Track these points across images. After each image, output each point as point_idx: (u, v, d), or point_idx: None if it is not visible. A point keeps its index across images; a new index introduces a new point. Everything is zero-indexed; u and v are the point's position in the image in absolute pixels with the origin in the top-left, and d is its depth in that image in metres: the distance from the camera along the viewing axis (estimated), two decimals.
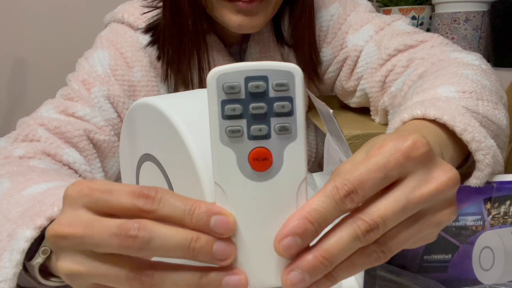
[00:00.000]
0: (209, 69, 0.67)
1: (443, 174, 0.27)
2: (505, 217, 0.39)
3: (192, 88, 0.68)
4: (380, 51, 0.68)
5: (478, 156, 0.38)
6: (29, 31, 1.43)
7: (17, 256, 0.36)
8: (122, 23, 0.71)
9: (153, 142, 0.43)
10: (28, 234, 0.36)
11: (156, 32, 0.68)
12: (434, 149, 0.28)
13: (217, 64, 0.70)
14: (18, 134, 0.57)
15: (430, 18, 1.34)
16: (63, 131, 0.59)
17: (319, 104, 0.44)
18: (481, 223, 0.39)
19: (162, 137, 0.41)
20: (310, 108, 0.81)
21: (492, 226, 0.40)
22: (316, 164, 0.87)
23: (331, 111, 0.38)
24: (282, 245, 0.25)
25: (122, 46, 0.68)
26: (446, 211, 0.28)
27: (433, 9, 1.32)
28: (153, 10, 0.69)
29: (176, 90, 0.69)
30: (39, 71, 1.47)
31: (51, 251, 0.36)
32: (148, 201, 0.26)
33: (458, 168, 0.41)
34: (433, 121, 0.39)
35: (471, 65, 0.52)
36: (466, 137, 0.38)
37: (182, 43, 0.65)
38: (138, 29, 0.69)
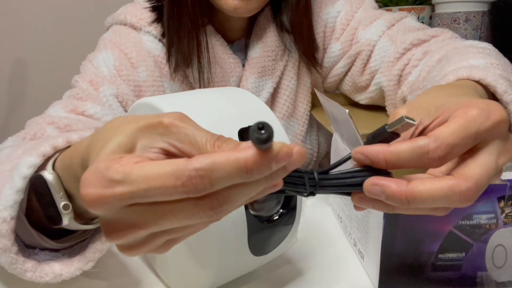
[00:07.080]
0: (208, 53, 0.68)
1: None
2: None
3: (193, 68, 0.68)
4: (395, 45, 0.69)
5: None
6: (29, 31, 1.42)
7: (19, 182, 0.34)
8: (125, 24, 0.70)
9: None
10: (31, 160, 0.34)
11: (160, 10, 0.68)
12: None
13: (218, 54, 0.70)
14: (26, 133, 0.55)
15: (430, 18, 1.34)
16: (74, 129, 0.57)
17: (330, 105, 0.44)
18: (495, 221, 0.40)
19: None
20: (314, 105, 0.81)
21: (505, 224, 0.40)
22: (317, 164, 0.87)
23: (347, 111, 0.38)
24: (355, 157, 0.30)
25: (126, 46, 0.68)
26: None
27: (433, 9, 1.32)
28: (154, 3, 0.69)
29: (176, 69, 0.69)
30: (39, 71, 1.46)
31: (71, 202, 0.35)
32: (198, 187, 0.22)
33: None
34: (477, 82, 0.44)
35: (486, 48, 0.56)
36: (507, 98, 0.43)
37: (181, 25, 0.65)
38: (140, 29, 0.69)
